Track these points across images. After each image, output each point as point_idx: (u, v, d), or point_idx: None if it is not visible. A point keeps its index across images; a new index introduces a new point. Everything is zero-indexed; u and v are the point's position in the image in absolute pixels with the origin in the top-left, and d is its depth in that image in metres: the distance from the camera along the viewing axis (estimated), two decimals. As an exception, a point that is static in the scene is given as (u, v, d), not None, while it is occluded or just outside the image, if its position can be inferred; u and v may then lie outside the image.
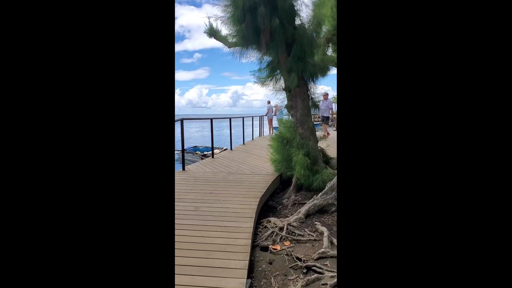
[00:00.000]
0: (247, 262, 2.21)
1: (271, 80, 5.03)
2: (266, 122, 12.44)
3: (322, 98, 9.75)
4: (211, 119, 6.80)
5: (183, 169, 5.39)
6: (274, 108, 12.50)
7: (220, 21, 4.70)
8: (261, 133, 12.40)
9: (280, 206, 4.20)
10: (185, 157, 13.51)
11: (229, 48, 6.06)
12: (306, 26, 4.41)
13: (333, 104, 10.47)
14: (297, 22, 4.59)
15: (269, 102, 12.10)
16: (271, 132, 12.48)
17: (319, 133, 5.67)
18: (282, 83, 5.04)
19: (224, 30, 5.08)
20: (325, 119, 10.14)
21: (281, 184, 4.84)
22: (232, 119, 8.04)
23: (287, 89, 4.80)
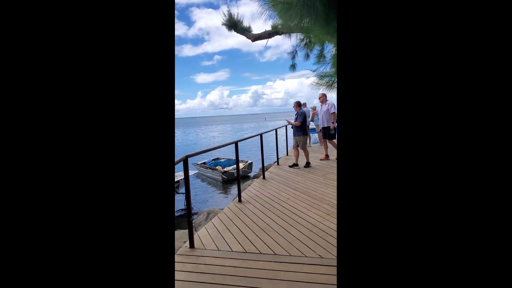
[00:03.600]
0: None
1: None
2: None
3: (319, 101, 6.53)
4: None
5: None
6: (311, 113, 10.05)
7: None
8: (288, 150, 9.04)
9: None
10: (204, 174, 11.52)
11: (252, 41, 4.60)
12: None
13: (334, 107, 6.61)
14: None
15: (304, 105, 9.07)
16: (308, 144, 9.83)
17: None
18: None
19: (246, 22, 4.42)
20: (327, 131, 6.82)
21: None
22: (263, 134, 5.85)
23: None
